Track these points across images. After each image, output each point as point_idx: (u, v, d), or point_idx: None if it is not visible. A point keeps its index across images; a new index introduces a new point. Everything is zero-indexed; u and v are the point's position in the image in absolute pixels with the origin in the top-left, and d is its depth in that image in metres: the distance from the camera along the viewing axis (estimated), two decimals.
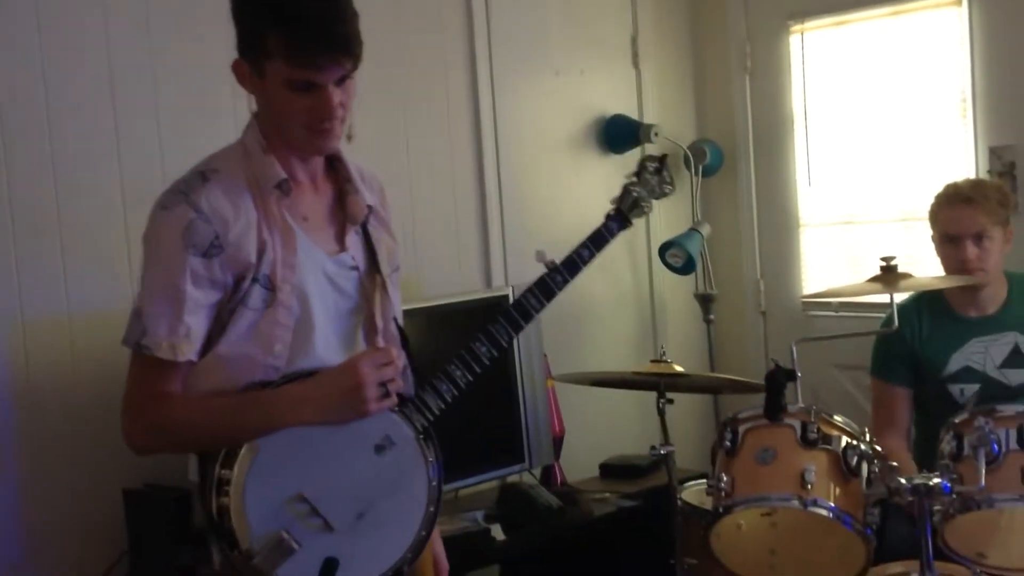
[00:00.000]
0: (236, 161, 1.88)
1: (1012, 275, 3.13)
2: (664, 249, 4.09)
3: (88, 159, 2.98)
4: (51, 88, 2.91)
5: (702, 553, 2.57)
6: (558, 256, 2.09)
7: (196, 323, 1.80)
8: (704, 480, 2.79)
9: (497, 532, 3.19)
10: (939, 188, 3.16)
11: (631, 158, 4.20)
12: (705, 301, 4.26)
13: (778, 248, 4.31)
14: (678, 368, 2.93)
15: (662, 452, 2.80)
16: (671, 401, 2.89)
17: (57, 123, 2.93)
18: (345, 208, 1.97)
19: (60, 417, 2.92)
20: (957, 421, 2.43)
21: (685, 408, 3.78)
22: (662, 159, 2.22)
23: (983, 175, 3.67)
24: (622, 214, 2.17)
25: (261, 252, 1.82)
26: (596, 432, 3.98)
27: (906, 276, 2.88)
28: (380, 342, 1.97)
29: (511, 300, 3.40)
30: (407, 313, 3.21)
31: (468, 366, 1.95)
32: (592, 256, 2.10)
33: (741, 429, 2.46)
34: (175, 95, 3.11)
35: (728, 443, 2.46)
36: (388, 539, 1.85)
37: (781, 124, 4.26)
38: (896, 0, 3.89)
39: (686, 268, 4.08)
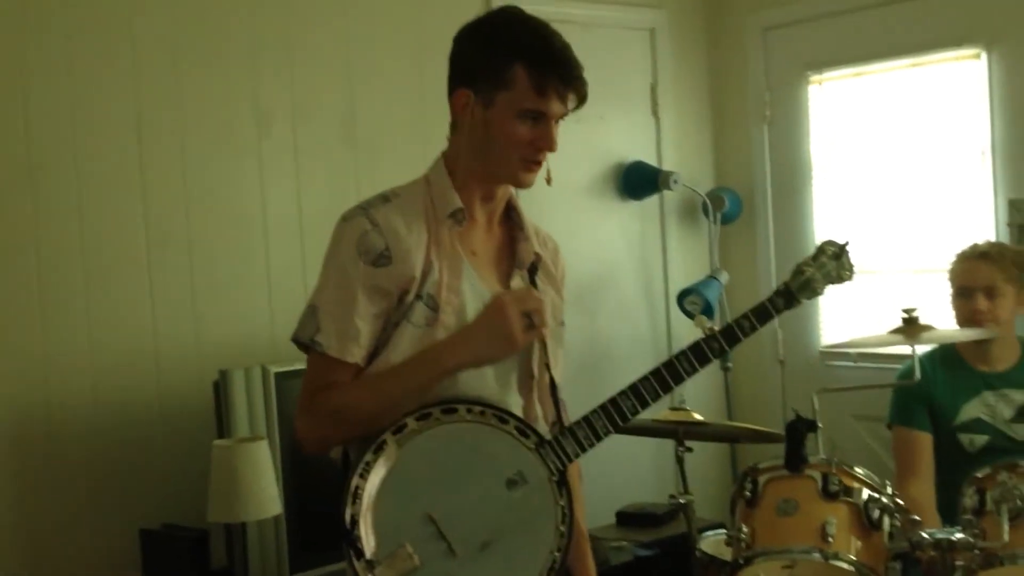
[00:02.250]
0: (417, 189, 1.96)
1: None
2: (682, 296, 4.09)
3: (114, 199, 3.01)
4: (79, 128, 2.96)
5: None
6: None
7: (365, 328, 1.86)
8: (722, 530, 2.77)
9: None
10: (960, 240, 3.20)
11: (650, 204, 4.23)
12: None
13: None
14: (697, 416, 2.92)
15: (681, 501, 2.78)
16: (690, 449, 2.88)
17: (84, 163, 2.97)
18: (515, 254, 2.03)
19: (80, 457, 2.93)
20: (980, 476, 2.41)
21: (702, 457, 3.77)
22: (843, 245, 2.19)
23: (1002, 227, 3.67)
24: (790, 292, 2.14)
25: (426, 272, 1.88)
26: (613, 479, 3.96)
27: (927, 328, 2.88)
28: (535, 391, 2.00)
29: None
30: None
31: (611, 418, 1.96)
32: (753, 329, 2.07)
33: (761, 480, 2.44)
34: (201, 136, 3.15)
35: (748, 493, 2.45)
36: (509, 575, 1.85)
37: (799, 173, 4.27)
38: (915, 52, 3.92)
39: (704, 315, 4.08)
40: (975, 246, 3.21)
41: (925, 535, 2.30)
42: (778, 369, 4.36)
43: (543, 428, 2.00)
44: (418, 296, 1.87)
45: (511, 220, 2.06)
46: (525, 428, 1.89)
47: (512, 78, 1.90)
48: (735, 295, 4.34)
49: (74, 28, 2.95)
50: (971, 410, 3.07)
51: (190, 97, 3.14)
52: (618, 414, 1.96)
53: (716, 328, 2.03)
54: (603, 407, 1.96)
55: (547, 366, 2.02)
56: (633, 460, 4.00)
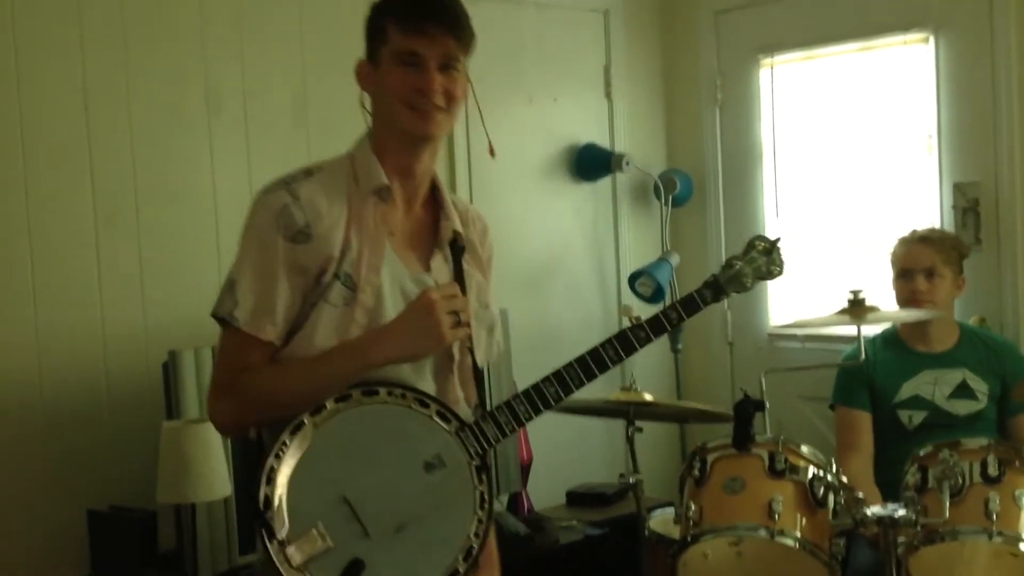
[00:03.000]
0: (341, 165, 1.96)
1: (964, 325, 3.34)
2: (633, 278, 4.11)
3: (61, 177, 2.97)
4: (25, 106, 2.91)
5: None
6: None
7: (281, 305, 1.84)
8: (671, 508, 2.81)
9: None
10: (904, 222, 3.28)
11: (602, 186, 4.25)
12: (673, 331, 4.27)
13: None
14: (647, 396, 2.94)
15: (631, 480, 2.81)
16: (640, 430, 2.90)
17: (31, 141, 2.92)
18: (438, 234, 2.01)
19: (27, 438, 2.89)
20: (922, 454, 2.47)
21: (652, 437, 3.80)
22: (775, 241, 2.18)
23: (947, 211, 3.73)
24: (719, 284, 2.13)
25: (345, 250, 1.86)
26: (564, 459, 3.99)
27: (873, 309, 2.93)
28: (455, 373, 1.98)
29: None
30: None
31: (533, 404, 1.93)
32: (680, 320, 2.06)
33: (710, 459, 2.48)
34: (149, 112, 3.11)
35: (697, 472, 2.48)
36: (424, 559, 1.83)
37: (750, 156, 4.31)
38: (864, 36, 3.96)
39: (655, 297, 4.10)
40: (915, 230, 3.32)
41: (868, 512, 2.34)
42: (727, 350, 4.41)
43: (465, 411, 1.99)
44: (336, 275, 1.85)
45: (436, 202, 2.04)
46: (446, 412, 1.88)
47: (386, 31, 1.91)
48: (686, 277, 4.37)
49: (20, 3, 2.89)
50: (911, 388, 3.18)
51: (139, 74, 3.10)
52: (540, 400, 1.94)
53: (643, 318, 2.04)
54: (526, 392, 1.94)
55: (469, 349, 2.00)
56: (583, 440, 4.03)
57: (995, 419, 3.17)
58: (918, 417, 3.14)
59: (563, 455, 3.98)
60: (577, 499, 3.82)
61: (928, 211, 3.79)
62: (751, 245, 2.18)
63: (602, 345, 2.02)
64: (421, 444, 1.85)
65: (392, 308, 1.89)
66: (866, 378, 3.20)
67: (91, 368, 2.99)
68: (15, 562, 2.87)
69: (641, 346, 2.04)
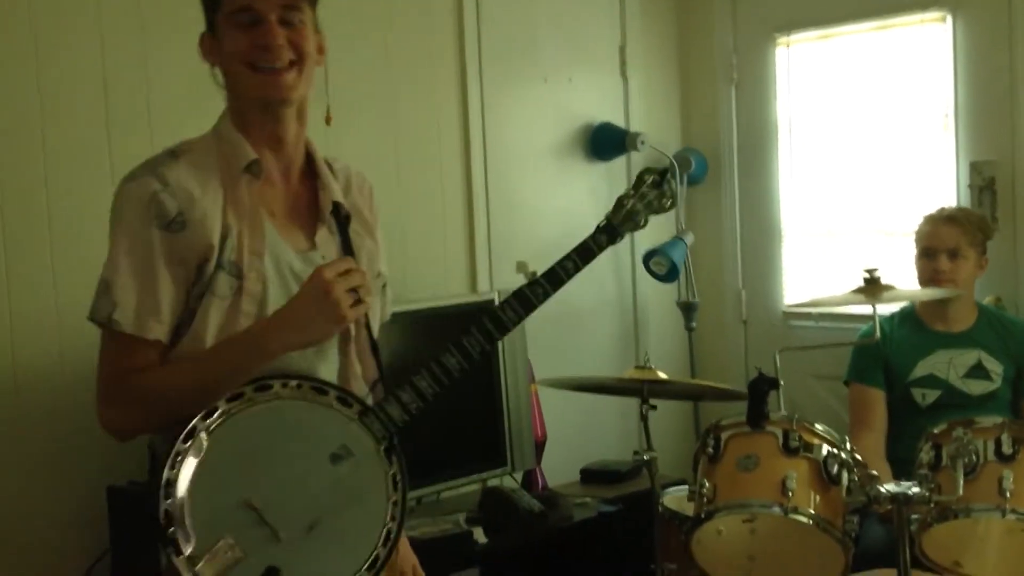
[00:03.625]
0: (208, 143, 1.84)
1: (983, 307, 3.34)
2: (648, 257, 4.12)
3: (80, 160, 2.98)
4: (45, 90, 2.92)
5: (682, 559, 2.60)
6: (542, 265, 2.01)
7: (165, 300, 1.74)
8: (684, 486, 2.82)
9: (479, 535, 3.21)
10: (922, 202, 3.29)
11: (617, 166, 4.25)
12: (687, 309, 4.29)
13: (760, 258, 4.35)
14: (661, 374, 2.95)
15: (645, 458, 2.82)
16: (654, 407, 2.91)
17: (50, 125, 2.93)
18: (319, 206, 1.91)
19: (46, 415, 2.92)
20: (936, 432, 2.47)
21: (666, 415, 3.80)
22: (663, 172, 2.10)
23: (964, 190, 3.72)
24: (612, 227, 2.04)
25: (224, 236, 1.76)
26: (578, 437, 4.01)
27: (889, 288, 2.94)
28: (351, 347, 1.89)
29: (496, 305, 3.44)
30: (391, 317, 3.27)
31: (436, 378, 1.84)
32: (577, 269, 1.97)
33: (724, 436, 2.48)
34: (168, 96, 3.12)
35: (711, 450, 2.49)
36: (341, 554, 1.75)
37: (765, 135, 4.30)
38: (881, 15, 3.94)
39: (669, 276, 4.11)
40: (942, 209, 3.31)
41: (882, 490, 2.35)
42: (741, 329, 4.41)
43: (362, 387, 1.91)
44: (219, 265, 1.75)
45: (313, 172, 1.92)
46: (346, 397, 1.79)
47: None
48: (701, 256, 4.38)
49: None
50: (925, 366, 3.19)
51: (157, 63, 3.10)
52: (444, 373, 1.85)
53: (539, 273, 1.95)
54: (427, 367, 1.84)
55: (365, 324, 1.91)
56: (598, 418, 4.05)
57: (1009, 400, 3.18)
58: (932, 396, 3.15)
59: (577, 433, 4.00)
60: (591, 476, 3.84)
61: (944, 190, 3.78)
62: (640, 180, 2.08)
63: (500, 307, 1.91)
64: (325, 436, 1.76)
65: (280, 292, 1.80)
66: (881, 356, 3.21)
67: None
68: (36, 537, 2.90)
69: (541, 302, 1.94)
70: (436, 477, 3.35)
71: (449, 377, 1.85)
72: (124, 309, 1.73)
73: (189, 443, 1.68)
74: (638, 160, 4.28)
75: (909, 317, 3.29)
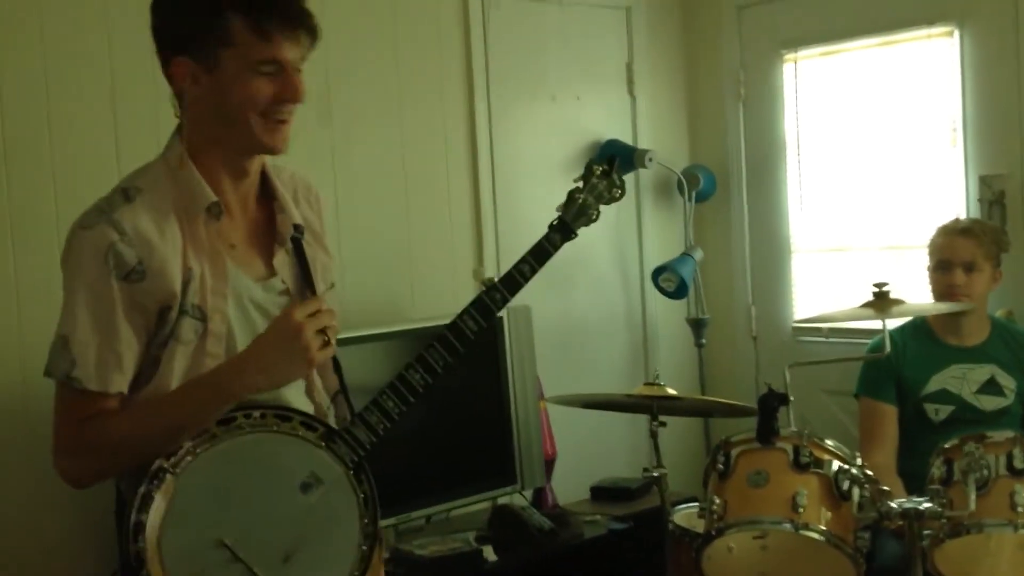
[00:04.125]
0: (160, 181, 1.76)
1: (996, 320, 3.31)
2: (657, 273, 4.12)
3: (89, 169, 2.99)
4: (53, 98, 2.94)
5: (693, 575, 2.58)
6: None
7: (127, 353, 1.69)
8: (694, 504, 2.81)
9: (488, 553, 3.20)
10: (931, 216, 3.27)
11: (625, 182, 4.24)
12: (697, 325, 4.28)
13: (770, 274, 4.34)
14: (671, 391, 2.95)
15: (655, 474, 2.81)
16: (664, 424, 2.91)
17: (58, 133, 2.95)
18: (276, 229, 1.86)
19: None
20: (947, 447, 2.46)
21: (676, 432, 3.80)
22: (611, 160, 2.06)
23: (973, 204, 3.72)
24: (566, 224, 1.99)
25: (187, 281, 1.71)
26: (588, 454, 4.00)
27: (898, 302, 2.93)
28: (314, 371, 1.86)
29: (505, 323, 3.45)
30: (398, 335, 3.29)
31: (401, 396, 1.81)
32: (533, 271, 1.92)
33: (734, 452, 2.48)
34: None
35: (721, 466, 2.48)
36: None
37: (773, 151, 4.30)
38: (888, 30, 3.94)
39: (678, 293, 4.11)
40: (957, 221, 3.27)
41: (894, 505, 2.34)
42: (751, 344, 4.40)
43: (324, 399, 1.90)
44: (182, 311, 1.70)
45: (267, 191, 1.87)
46: (310, 422, 1.77)
47: (230, 31, 1.69)
48: (710, 272, 4.38)
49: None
50: (938, 381, 3.16)
51: None
52: (408, 390, 1.81)
53: (495, 279, 1.91)
54: (391, 386, 1.81)
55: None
56: (607, 435, 4.04)
57: (1021, 415, 3.15)
58: (944, 411, 3.13)
59: (587, 450, 3.99)
60: (601, 494, 3.83)
61: (953, 204, 3.77)
62: (589, 171, 2.04)
63: (460, 317, 1.87)
64: (292, 467, 1.74)
65: (244, 327, 1.77)
66: (894, 371, 3.18)
67: None
68: (47, 554, 2.90)
69: (499, 308, 1.90)
70: (445, 495, 3.34)
71: (414, 394, 1.82)
72: (84, 366, 1.68)
73: (156, 484, 1.65)
74: (646, 177, 4.30)
75: (921, 330, 3.25)
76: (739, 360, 4.42)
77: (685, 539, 2.83)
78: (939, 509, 2.32)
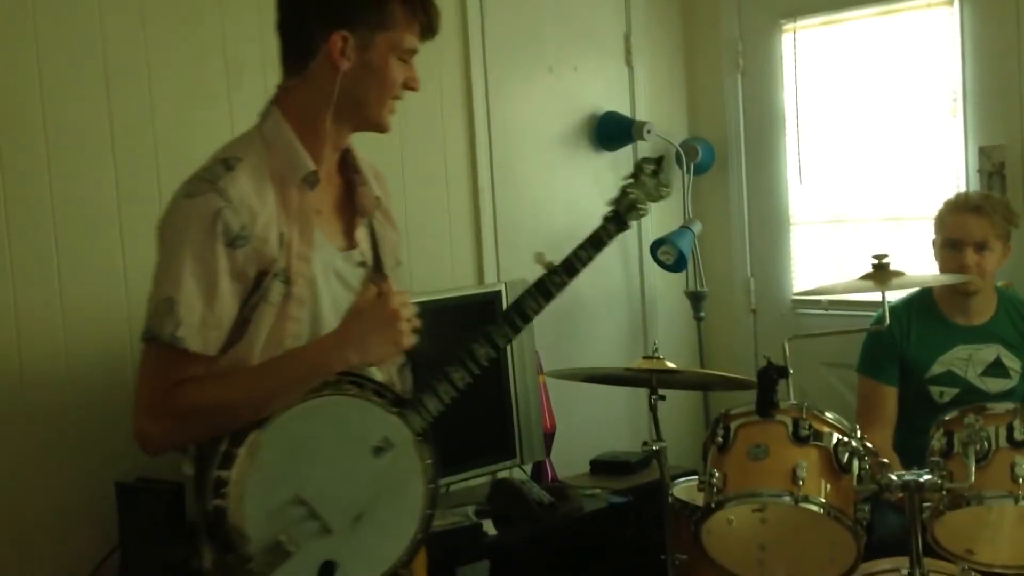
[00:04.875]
0: (256, 149, 1.84)
1: (1002, 291, 3.25)
2: (655, 246, 4.10)
3: (83, 153, 2.98)
4: (45, 80, 2.91)
5: (692, 549, 2.58)
6: (556, 255, 2.10)
7: (226, 317, 1.77)
8: (694, 476, 2.81)
9: (488, 527, 3.20)
10: (931, 187, 3.23)
11: (623, 155, 4.23)
12: (696, 299, 4.27)
13: (769, 246, 4.33)
14: (670, 364, 2.94)
15: (654, 448, 2.81)
16: (663, 397, 2.90)
17: (52, 117, 2.92)
18: (355, 201, 1.96)
19: (53, 411, 2.91)
20: (947, 419, 2.45)
21: (675, 405, 3.80)
22: (659, 161, 2.20)
23: (973, 175, 3.70)
24: (619, 216, 2.15)
25: (280, 244, 1.80)
26: (587, 428, 4.00)
27: (898, 274, 2.91)
28: None
29: (503, 296, 3.44)
30: None
31: (467, 367, 1.94)
32: (590, 259, 2.10)
33: (733, 425, 2.47)
34: (170, 88, 3.11)
35: (720, 439, 2.47)
36: (385, 541, 1.84)
37: (772, 123, 4.28)
38: (887, 0, 3.91)
39: (677, 266, 4.10)
40: (967, 197, 3.20)
41: (893, 477, 2.33)
42: (750, 317, 4.39)
43: (391, 372, 1.97)
44: (275, 274, 1.79)
45: (346, 164, 1.98)
46: (381, 390, 1.86)
47: (391, 17, 1.83)
48: (709, 245, 4.36)
49: None
50: (944, 363, 3.13)
51: (158, 50, 3.09)
52: (474, 362, 1.95)
53: (556, 263, 2.06)
54: (458, 357, 1.94)
55: None
56: (607, 409, 4.04)
57: None
58: (949, 394, 3.10)
59: (586, 424, 3.99)
60: (601, 467, 3.83)
61: (953, 175, 3.76)
62: (639, 169, 2.18)
63: (523, 296, 2.02)
64: (366, 430, 1.84)
65: (326, 294, 1.85)
66: (896, 352, 3.15)
67: (117, 342, 3.01)
68: (44, 534, 2.89)
69: (559, 291, 2.05)
70: (445, 470, 3.27)
71: (479, 366, 1.95)
72: (189, 327, 1.73)
73: (238, 441, 1.73)
74: (644, 149, 4.27)
75: (927, 308, 3.21)
76: (738, 333, 4.41)
77: (685, 512, 2.83)
78: (939, 481, 2.32)
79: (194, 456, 1.83)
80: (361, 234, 1.96)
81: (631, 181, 2.17)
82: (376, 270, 1.96)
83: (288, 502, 1.75)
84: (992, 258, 3.11)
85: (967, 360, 3.11)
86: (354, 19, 1.82)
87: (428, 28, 1.88)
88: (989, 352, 3.12)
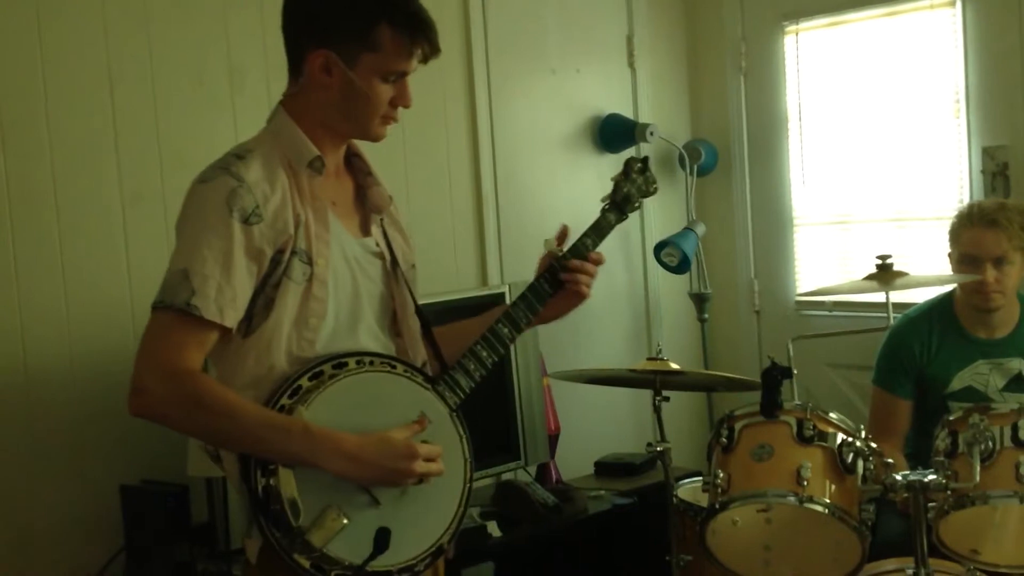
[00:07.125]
0: (267, 142, 1.91)
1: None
2: (659, 248, 4.10)
3: (86, 154, 2.98)
4: (50, 83, 2.92)
5: (697, 550, 2.58)
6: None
7: (241, 291, 1.79)
8: (698, 478, 2.80)
9: (493, 529, 3.20)
10: (934, 188, 3.19)
11: (626, 157, 4.21)
12: (700, 300, 4.27)
13: (772, 247, 4.33)
14: (674, 365, 2.94)
15: (658, 449, 2.81)
16: (667, 399, 2.90)
17: (56, 119, 2.93)
18: (366, 200, 2.01)
19: (58, 414, 2.92)
20: (952, 418, 2.45)
21: (679, 406, 3.80)
22: (644, 160, 2.29)
23: (976, 175, 3.70)
24: (618, 206, 2.23)
25: (297, 224, 1.83)
26: (591, 430, 3.99)
27: (902, 275, 2.90)
28: (402, 331, 2.00)
29: (507, 298, 3.44)
30: None
31: (492, 346, 2.00)
32: (595, 245, 2.17)
33: (737, 426, 2.47)
34: (173, 89, 3.12)
35: (725, 440, 2.47)
36: (431, 514, 1.88)
37: (775, 124, 4.28)
38: (890, 1, 3.92)
39: (681, 267, 4.10)
40: (981, 209, 3.02)
41: (898, 478, 2.33)
42: (754, 319, 4.39)
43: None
44: (293, 252, 1.82)
45: (353, 166, 2.03)
46: (412, 369, 1.93)
47: (378, 39, 1.85)
48: (712, 246, 4.36)
49: None
50: (964, 379, 3.03)
51: (162, 52, 3.10)
52: (498, 341, 2.02)
53: (564, 249, 2.14)
54: (484, 337, 2.01)
55: (416, 307, 2.05)
56: (611, 410, 4.04)
57: None
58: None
59: (591, 425, 3.99)
60: (605, 469, 3.83)
61: (956, 176, 3.76)
62: (629, 167, 2.27)
63: (537, 280, 2.11)
64: (404, 404, 1.88)
65: (344, 277, 1.89)
66: (916, 369, 3.06)
67: (121, 344, 3.01)
68: (50, 537, 2.90)
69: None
70: None
71: (503, 345, 2.02)
72: (203, 296, 1.75)
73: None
74: (647, 151, 4.27)
75: (949, 323, 3.07)
76: (742, 334, 4.41)
77: (689, 513, 2.83)
78: (944, 481, 2.31)
79: None
80: (376, 231, 2.00)
81: (622, 177, 2.26)
82: (393, 267, 2.00)
83: (335, 476, 1.78)
84: (1013, 271, 2.96)
85: (988, 375, 3.01)
86: (337, 39, 1.86)
87: (422, 57, 1.90)
88: (1011, 366, 3.01)
